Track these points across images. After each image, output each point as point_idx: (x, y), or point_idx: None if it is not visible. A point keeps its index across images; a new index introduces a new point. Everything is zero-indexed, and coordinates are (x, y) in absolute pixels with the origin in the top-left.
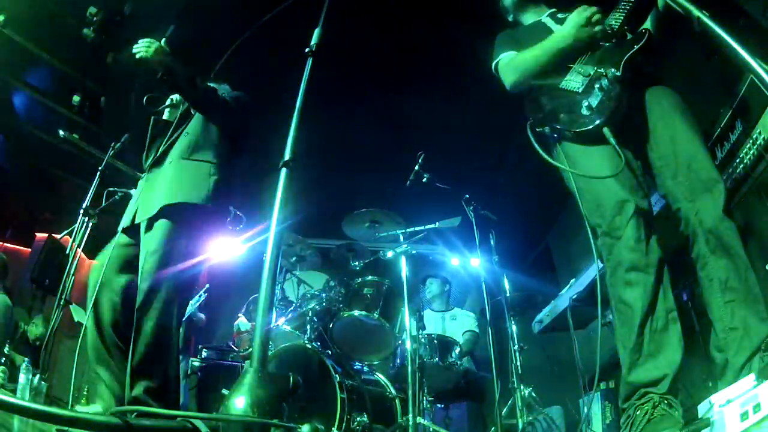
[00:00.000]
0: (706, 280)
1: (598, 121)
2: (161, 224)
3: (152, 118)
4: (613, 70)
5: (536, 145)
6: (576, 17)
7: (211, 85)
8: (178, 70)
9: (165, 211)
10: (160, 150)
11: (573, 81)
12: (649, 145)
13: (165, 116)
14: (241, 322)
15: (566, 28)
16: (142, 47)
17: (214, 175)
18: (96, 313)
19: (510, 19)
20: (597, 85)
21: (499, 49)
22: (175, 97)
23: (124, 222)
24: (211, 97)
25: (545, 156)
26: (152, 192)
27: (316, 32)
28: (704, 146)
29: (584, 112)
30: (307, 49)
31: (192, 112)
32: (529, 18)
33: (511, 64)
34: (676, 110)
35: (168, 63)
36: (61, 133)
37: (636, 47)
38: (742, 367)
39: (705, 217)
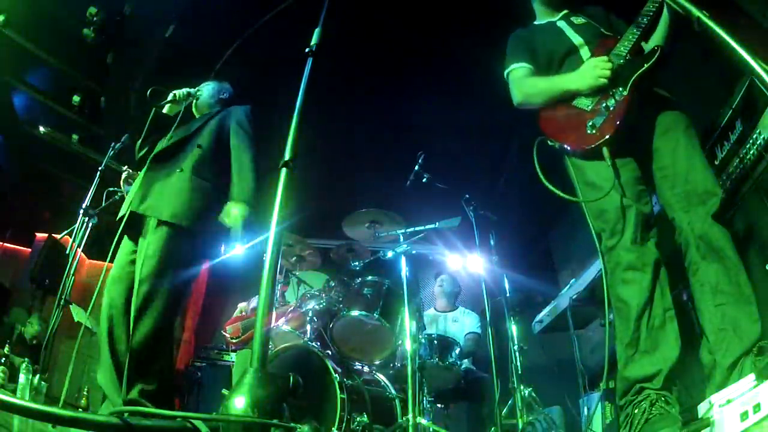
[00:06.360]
0: (697, 285)
1: (600, 141)
2: (161, 230)
3: (153, 110)
4: (620, 89)
5: (537, 167)
6: (591, 71)
7: (212, 86)
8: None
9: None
10: (160, 146)
11: (584, 99)
12: (651, 158)
13: (165, 110)
14: (242, 306)
15: (581, 79)
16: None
17: (221, 201)
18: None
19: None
20: (604, 105)
21: (512, 55)
22: (178, 92)
23: (124, 209)
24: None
25: (547, 183)
26: (158, 193)
27: (316, 32)
28: (704, 161)
29: (589, 131)
30: (307, 49)
31: (202, 122)
32: (543, 16)
33: (520, 85)
34: (679, 125)
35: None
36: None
37: (646, 66)
38: (730, 368)
39: (696, 225)
